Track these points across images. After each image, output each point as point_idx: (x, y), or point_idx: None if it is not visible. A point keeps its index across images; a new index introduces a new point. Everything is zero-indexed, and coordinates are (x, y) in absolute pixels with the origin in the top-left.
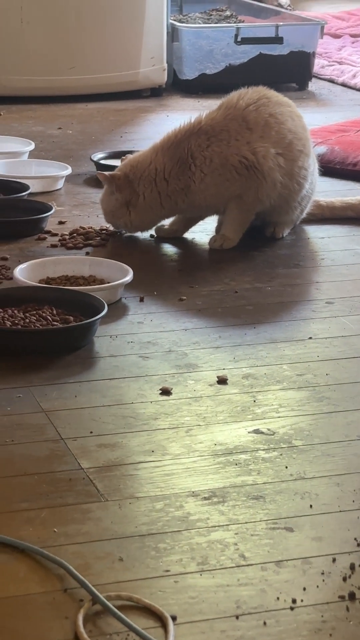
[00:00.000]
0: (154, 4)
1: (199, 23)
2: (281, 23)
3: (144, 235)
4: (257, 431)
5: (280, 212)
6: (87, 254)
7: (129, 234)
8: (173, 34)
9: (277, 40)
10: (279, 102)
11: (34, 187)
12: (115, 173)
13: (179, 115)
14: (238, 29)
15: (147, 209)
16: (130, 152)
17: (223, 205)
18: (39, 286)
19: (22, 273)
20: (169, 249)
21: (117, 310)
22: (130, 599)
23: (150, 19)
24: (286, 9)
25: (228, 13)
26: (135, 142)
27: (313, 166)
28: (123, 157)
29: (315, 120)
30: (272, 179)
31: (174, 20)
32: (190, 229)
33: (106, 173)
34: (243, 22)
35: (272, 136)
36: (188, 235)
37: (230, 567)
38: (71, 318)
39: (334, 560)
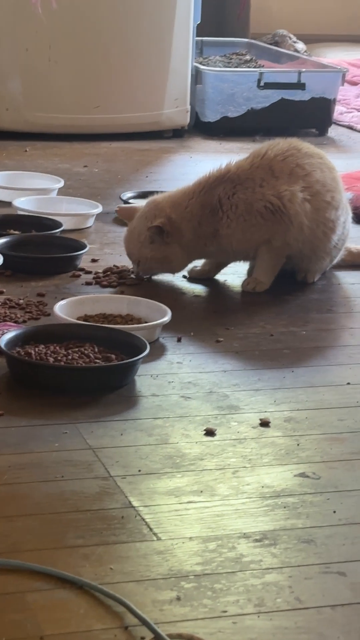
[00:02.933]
0: (180, 47)
1: (220, 66)
2: (304, 69)
3: (176, 276)
4: (302, 474)
5: (309, 261)
6: (122, 292)
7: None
8: (197, 76)
9: (300, 86)
10: (309, 153)
11: (65, 224)
12: (162, 221)
13: (202, 157)
14: (261, 73)
15: (184, 250)
16: (156, 192)
17: (252, 250)
18: (80, 323)
19: (62, 310)
20: (202, 290)
21: (156, 350)
22: (191, 638)
23: (176, 62)
24: (303, 54)
25: (248, 57)
26: (161, 183)
27: (344, 218)
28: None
29: (336, 166)
30: (298, 222)
31: (197, 63)
32: (221, 271)
33: (156, 224)
34: (263, 66)
35: (298, 184)
36: (220, 277)
37: (287, 610)
38: (113, 356)
39: None
